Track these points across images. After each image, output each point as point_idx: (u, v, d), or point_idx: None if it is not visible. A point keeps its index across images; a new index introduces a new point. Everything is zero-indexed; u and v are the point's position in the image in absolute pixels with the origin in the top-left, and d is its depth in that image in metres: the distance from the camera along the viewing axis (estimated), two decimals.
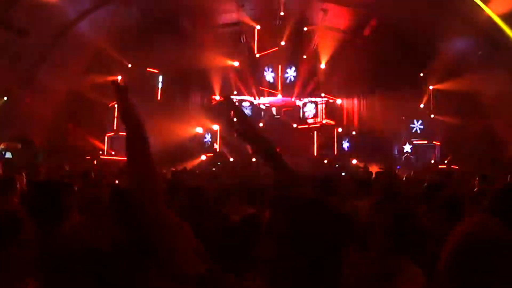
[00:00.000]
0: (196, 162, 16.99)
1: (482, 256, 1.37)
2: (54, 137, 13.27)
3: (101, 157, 14.94)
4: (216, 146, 18.07)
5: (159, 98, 17.30)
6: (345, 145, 18.81)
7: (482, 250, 1.38)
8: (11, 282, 2.26)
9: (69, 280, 2.19)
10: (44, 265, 2.29)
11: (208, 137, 18.19)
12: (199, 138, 18.27)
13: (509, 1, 11.34)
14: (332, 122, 19.12)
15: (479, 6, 11.88)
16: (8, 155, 11.81)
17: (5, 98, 11.54)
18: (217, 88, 18.46)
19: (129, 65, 16.19)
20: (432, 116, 16.77)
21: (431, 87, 16.82)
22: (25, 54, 11.30)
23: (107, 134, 15.74)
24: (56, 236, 2.50)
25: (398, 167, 14.03)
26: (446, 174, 13.97)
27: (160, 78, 17.40)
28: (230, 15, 17.32)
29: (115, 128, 15.83)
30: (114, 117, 15.82)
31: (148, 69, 16.74)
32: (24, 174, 5.71)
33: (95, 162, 13.94)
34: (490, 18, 12.18)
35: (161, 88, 17.44)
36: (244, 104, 19.08)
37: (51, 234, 2.50)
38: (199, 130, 18.43)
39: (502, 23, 11.87)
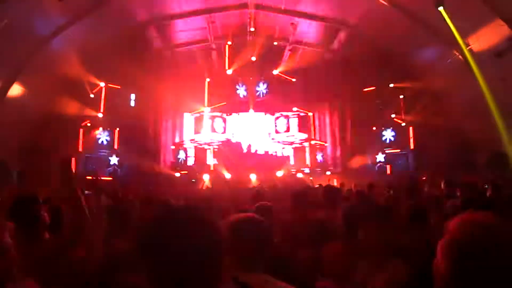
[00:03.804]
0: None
1: (482, 246, 1.34)
2: (26, 158, 12.67)
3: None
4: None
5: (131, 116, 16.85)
6: (319, 158, 18.97)
7: (481, 240, 1.36)
8: None
9: None
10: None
11: (181, 155, 17.91)
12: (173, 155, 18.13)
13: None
14: (304, 136, 19.24)
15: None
16: None
17: None
18: (189, 105, 18.33)
19: (102, 84, 15.83)
20: (403, 124, 17.18)
21: (401, 96, 17.24)
22: None
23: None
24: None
25: None
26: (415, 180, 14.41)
27: (133, 96, 17.09)
28: (200, 32, 17.29)
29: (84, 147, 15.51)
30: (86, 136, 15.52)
31: (120, 87, 16.46)
32: None
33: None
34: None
35: (133, 106, 17.10)
36: (216, 120, 18.95)
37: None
38: (172, 147, 18.29)
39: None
